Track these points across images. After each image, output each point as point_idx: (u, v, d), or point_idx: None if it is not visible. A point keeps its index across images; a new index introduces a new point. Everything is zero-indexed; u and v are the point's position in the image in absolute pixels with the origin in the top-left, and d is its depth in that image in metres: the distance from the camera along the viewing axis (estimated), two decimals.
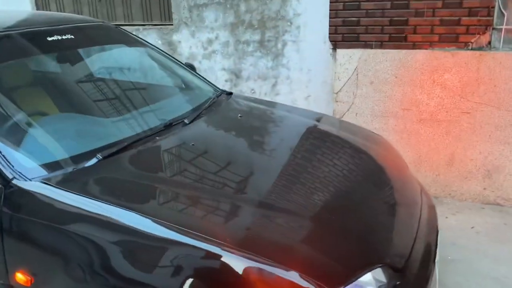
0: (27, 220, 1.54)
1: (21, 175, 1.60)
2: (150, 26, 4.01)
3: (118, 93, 2.36)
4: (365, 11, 3.16)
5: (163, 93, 2.58)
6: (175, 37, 3.90)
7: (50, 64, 2.29)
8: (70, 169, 1.68)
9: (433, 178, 3.27)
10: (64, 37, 2.31)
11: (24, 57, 2.12)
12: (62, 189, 1.56)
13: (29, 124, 1.84)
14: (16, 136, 1.75)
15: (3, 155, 1.63)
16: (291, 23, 3.46)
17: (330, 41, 3.32)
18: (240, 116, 2.39)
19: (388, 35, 3.15)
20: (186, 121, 2.15)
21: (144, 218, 1.44)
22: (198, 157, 1.91)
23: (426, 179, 3.29)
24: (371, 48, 3.21)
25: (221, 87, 3.35)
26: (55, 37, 2.27)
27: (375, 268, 1.49)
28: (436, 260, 1.79)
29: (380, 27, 3.15)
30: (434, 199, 3.13)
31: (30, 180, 1.60)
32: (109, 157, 1.76)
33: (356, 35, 3.23)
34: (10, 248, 1.56)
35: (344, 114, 3.42)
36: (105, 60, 2.62)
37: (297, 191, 1.75)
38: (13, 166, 1.62)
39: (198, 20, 3.76)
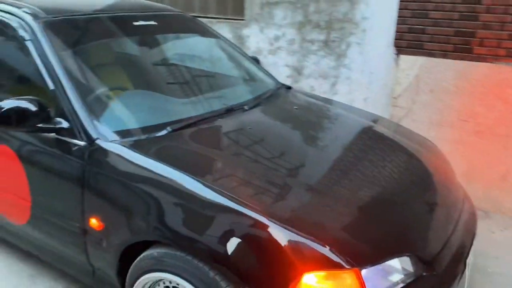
0: (103, 174, 1.82)
1: (103, 136, 1.88)
2: (223, 20, 4.27)
3: (188, 77, 2.61)
4: (432, 20, 3.21)
5: (228, 81, 2.80)
6: (245, 32, 4.12)
7: (133, 46, 2.58)
8: (143, 137, 1.93)
9: (484, 192, 3.26)
10: (148, 23, 2.60)
11: (111, 38, 2.43)
12: (134, 151, 1.82)
13: (114, 96, 2.12)
14: (103, 104, 2.04)
15: (92, 118, 1.92)
16: (357, 26, 3.57)
17: (395, 46, 3.40)
18: (295, 108, 2.56)
19: (453, 45, 3.17)
20: (245, 107, 2.36)
21: (202, 185, 1.66)
22: (253, 139, 2.10)
23: (477, 193, 3.27)
24: (435, 56, 3.25)
25: (282, 82, 3.53)
26: (140, 22, 2.56)
27: (403, 256, 1.61)
28: (468, 262, 1.86)
29: (446, 37, 3.18)
30: (483, 213, 3.14)
31: (110, 141, 1.87)
32: (177, 130, 2.00)
33: (420, 42, 3.28)
34: (88, 197, 1.84)
35: (401, 119, 3.48)
36: (180, 47, 2.88)
37: (344, 182, 1.89)
38: (98, 128, 1.90)
39: (268, 17, 3.95)
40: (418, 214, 1.87)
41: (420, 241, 1.74)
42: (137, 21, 2.56)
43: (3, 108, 1.83)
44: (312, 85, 3.89)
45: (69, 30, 2.27)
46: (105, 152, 1.84)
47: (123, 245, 1.76)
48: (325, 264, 1.48)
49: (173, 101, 2.31)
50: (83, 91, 2.00)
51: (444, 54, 3.22)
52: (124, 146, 1.85)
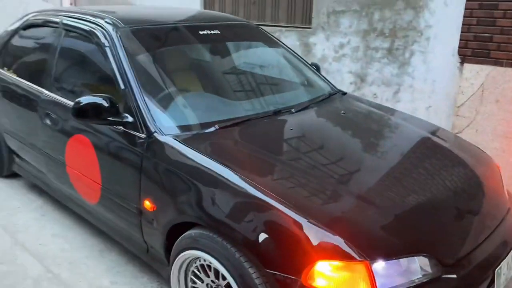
0: (157, 162, 2.09)
1: (160, 131, 2.16)
2: (292, 28, 4.46)
3: (244, 81, 2.84)
4: (500, 28, 3.11)
5: (283, 86, 2.99)
6: (312, 39, 4.27)
7: (196, 52, 2.86)
8: (194, 132, 2.18)
9: None
10: (212, 31, 2.87)
11: (176, 45, 2.74)
12: (184, 145, 2.07)
13: (172, 96, 2.41)
14: (162, 103, 2.32)
15: (152, 115, 2.21)
16: (421, 34, 3.55)
17: (459, 54, 3.34)
18: (342, 112, 2.66)
19: None
20: (292, 110, 2.52)
21: (238, 176, 1.85)
22: (293, 139, 2.26)
23: None
24: (502, 66, 3.14)
25: (345, 89, 3.65)
26: (205, 31, 2.84)
27: (420, 256, 1.66)
28: (499, 271, 1.84)
29: None
30: None
31: (165, 135, 2.14)
32: (223, 128, 2.22)
33: (487, 51, 3.19)
34: (144, 181, 2.13)
35: (463, 129, 3.40)
36: (242, 53, 3.12)
37: (371, 181, 1.98)
38: (155, 123, 2.18)
39: (334, 25, 4.07)
40: (447, 219, 1.90)
41: (443, 245, 1.77)
42: (202, 30, 2.84)
43: (81, 102, 2.19)
44: (374, 92, 3.92)
45: (141, 38, 2.60)
46: (160, 144, 2.12)
47: (169, 225, 2.02)
48: (338, 254, 1.59)
49: (225, 102, 2.55)
50: (147, 91, 2.30)
51: None
52: (176, 139, 2.11)
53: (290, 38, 4.42)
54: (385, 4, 3.69)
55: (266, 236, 1.70)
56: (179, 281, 2.04)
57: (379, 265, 1.60)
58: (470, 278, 1.75)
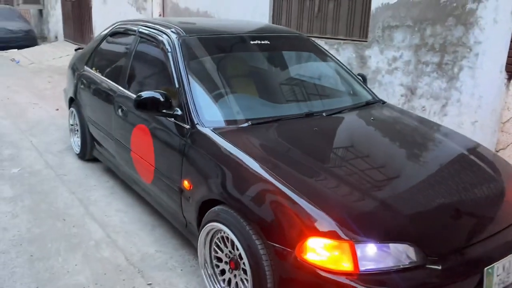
0: (197, 149, 2.48)
1: (201, 123, 2.55)
2: (349, 41, 4.68)
3: (285, 86, 3.16)
4: None
5: (324, 92, 3.26)
6: (367, 52, 4.46)
7: (247, 58, 3.23)
8: (230, 126, 2.55)
9: None
10: (262, 42, 3.23)
11: (229, 52, 3.14)
12: (218, 136, 2.43)
13: (216, 96, 2.79)
14: (206, 101, 2.71)
15: (196, 110, 2.61)
16: (470, 49, 3.61)
17: (506, 71, 3.36)
18: (372, 119, 2.87)
19: None
20: (324, 114, 2.79)
21: (259, 165, 2.17)
22: (313, 137, 2.53)
23: None
24: None
25: (396, 101, 3.84)
26: (256, 41, 3.21)
27: (405, 243, 1.85)
28: (489, 270, 1.95)
29: None
30: None
31: (205, 127, 2.52)
32: (255, 125, 2.56)
33: None
34: (185, 165, 2.53)
35: (508, 145, 3.40)
36: (288, 61, 3.43)
37: (377, 174, 2.21)
38: (199, 117, 2.58)
39: (388, 39, 4.23)
40: (443, 216, 2.04)
41: (432, 237, 1.93)
42: (253, 40, 3.22)
43: (142, 96, 2.65)
44: (423, 105, 4.02)
45: (198, 45, 3.04)
46: (200, 134, 2.51)
47: (200, 201, 2.39)
48: (327, 233, 1.84)
49: (263, 102, 2.89)
50: (195, 90, 2.71)
51: None
52: (213, 131, 2.48)
53: (347, 50, 4.65)
54: (436, 20, 3.80)
55: (271, 213, 2.00)
56: (204, 248, 2.40)
57: (363, 247, 1.83)
58: (455, 272, 1.89)
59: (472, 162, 2.49)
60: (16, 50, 13.49)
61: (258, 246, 2.01)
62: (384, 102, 3.26)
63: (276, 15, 5.65)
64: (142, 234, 3.09)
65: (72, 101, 4.47)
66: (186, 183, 2.52)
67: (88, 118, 4.03)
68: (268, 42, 3.28)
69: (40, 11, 17.20)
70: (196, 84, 2.77)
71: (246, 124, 2.56)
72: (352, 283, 1.79)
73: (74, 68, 4.50)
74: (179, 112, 2.66)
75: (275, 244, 1.95)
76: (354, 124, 2.82)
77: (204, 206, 2.39)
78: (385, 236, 1.87)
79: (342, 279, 1.81)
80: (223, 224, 2.19)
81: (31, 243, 2.91)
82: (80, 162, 4.36)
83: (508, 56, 3.33)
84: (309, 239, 1.86)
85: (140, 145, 3.07)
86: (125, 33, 3.73)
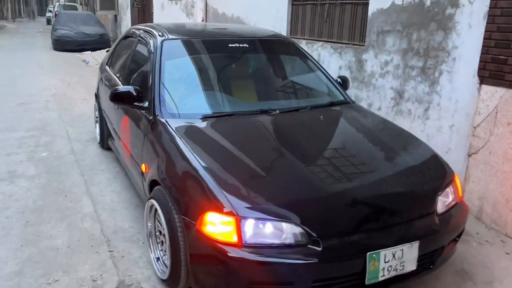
0: (152, 137, 2.86)
1: (160, 115, 2.92)
2: (351, 45, 4.83)
3: (251, 85, 3.44)
4: None
5: (291, 93, 3.50)
6: (364, 56, 4.59)
7: (220, 60, 3.55)
8: (184, 119, 2.89)
9: None
10: (241, 45, 3.55)
11: (205, 54, 3.49)
12: (170, 127, 2.78)
13: (180, 91, 3.15)
14: (169, 95, 3.07)
15: (160, 103, 2.98)
16: (449, 54, 3.63)
17: (478, 76, 3.37)
18: (321, 117, 3.08)
19: None
20: (276, 111, 3.05)
21: (190, 152, 2.48)
22: (253, 132, 2.81)
23: None
24: None
25: (386, 104, 4.00)
26: (234, 44, 3.54)
27: (290, 223, 2.08)
28: (374, 256, 2.11)
29: None
30: None
31: (162, 118, 2.89)
32: (208, 118, 2.89)
33: (502, 73, 3.19)
34: (144, 150, 2.93)
35: (479, 150, 3.41)
36: (266, 63, 3.71)
37: (284, 162, 2.49)
38: (160, 109, 2.95)
39: (381, 44, 4.33)
40: (334, 202, 2.24)
41: (317, 219, 2.13)
42: (232, 43, 3.54)
43: (118, 90, 3.10)
44: (409, 108, 4.08)
45: (179, 47, 3.44)
46: (157, 124, 2.89)
47: (148, 181, 2.77)
48: (220, 209, 2.13)
49: (224, 100, 3.20)
50: (164, 87, 3.09)
51: None
52: (166, 122, 2.85)
53: (348, 54, 4.80)
54: (421, 25, 3.86)
55: (186, 190, 2.34)
56: (149, 221, 2.77)
57: (249, 223, 2.09)
58: (334, 254, 2.09)
59: (394, 159, 2.63)
60: (89, 52, 14.88)
61: (176, 219, 2.34)
62: (353, 103, 3.44)
63: (293, 20, 5.90)
64: (125, 212, 3.54)
65: (96, 97, 5.09)
66: (143, 166, 2.91)
67: (104, 112, 4.59)
68: (247, 45, 3.58)
69: (115, 16, 18.72)
70: (166, 81, 3.14)
71: (198, 118, 2.90)
72: (236, 254, 2.06)
73: (100, 67, 5.11)
74: (146, 105, 3.06)
75: (185, 217, 2.27)
76: (298, 121, 3.04)
77: (152, 186, 2.76)
78: (270, 214, 2.11)
79: (230, 249, 2.08)
80: (156, 200, 2.54)
81: (31, 212, 3.47)
82: (100, 150, 4.95)
83: (480, 61, 3.33)
84: (207, 213, 2.16)
85: (124, 134, 3.53)
86: (131, 36, 4.23)
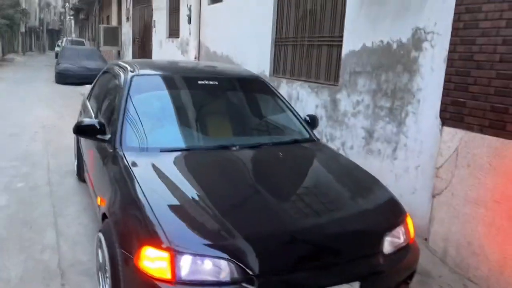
0: (108, 169, 2.89)
1: (119, 147, 2.96)
2: (326, 85, 4.91)
3: (216, 121, 3.48)
4: (471, 94, 3.15)
5: (256, 129, 3.54)
6: (338, 96, 4.66)
7: (190, 96, 3.62)
8: (141, 152, 2.92)
9: None
10: (210, 82, 3.63)
11: (171, 90, 3.56)
12: (124, 159, 2.82)
13: (141, 125, 3.19)
14: (130, 128, 3.11)
15: (120, 137, 3.02)
16: (414, 96, 3.69)
17: (440, 117, 3.40)
18: (280, 154, 3.10)
19: (488, 120, 3.03)
20: (235, 148, 3.08)
21: (138, 186, 2.49)
22: (207, 168, 2.83)
23: (509, 286, 2.91)
24: (473, 131, 3.14)
25: (358, 143, 4.05)
26: (204, 81, 3.62)
27: (226, 260, 2.07)
28: None
29: (482, 111, 3.07)
30: None
31: (121, 151, 2.93)
32: (166, 152, 2.92)
33: (461, 115, 3.23)
34: (101, 183, 2.94)
35: (442, 191, 3.40)
36: (232, 100, 3.77)
37: (233, 199, 2.49)
38: (120, 143, 2.99)
39: (353, 84, 4.41)
40: (274, 240, 2.22)
41: (257, 258, 2.11)
42: (202, 80, 3.63)
43: (82, 123, 3.15)
44: (379, 148, 4.11)
45: (146, 83, 3.52)
46: (114, 156, 2.92)
47: (100, 215, 2.77)
48: (157, 244, 2.12)
49: (185, 134, 3.24)
50: (127, 121, 3.14)
51: (481, 129, 3.08)
52: (124, 155, 2.87)
53: (323, 94, 4.88)
54: (389, 66, 3.94)
55: (128, 224, 2.34)
56: (97, 254, 2.75)
57: (185, 259, 2.07)
58: None
59: (344, 198, 2.63)
60: (90, 85, 15.15)
61: (117, 253, 2.33)
62: (318, 141, 3.47)
63: (276, 60, 6.05)
64: (87, 244, 3.52)
65: None
66: (98, 199, 2.93)
67: (80, 143, 4.64)
68: (216, 83, 3.66)
69: (118, 52, 19.21)
70: (130, 114, 3.20)
71: (156, 151, 2.93)
72: None
73: (83, 100, 5.21)
74: (108, 138, 3.10)
75: (124, 251, 2.26)
76: (257, 157, 3.07)
77: (104, 219, 2.76)
78: (205, 251, 2.09)
79: (163, 286, 2.06)
80: (103, 234, 2.54)
81: None
82: (77, 182, 4.97)
83: (442, 103, 3.38)
84: (144, 248, 2.15)
85: (90, 166, 3.57)
86: (107, 72, 4.34)
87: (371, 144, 4.20)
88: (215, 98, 3.71)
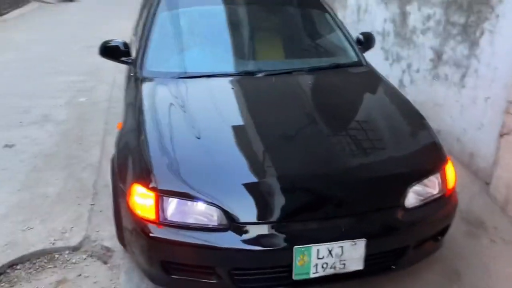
0: (127, 95, 2.78)
1: (140, 71, 2.80)
2: None
3: (253, 44, 3.13)
4: None
5: (290, 52, 3.14)
6: (408, 8, 3.96)
7: (224, 13, 3.26)
8: (160, 77, 2.74)
9: None
10: None
11: (215, 5, 3.27)
12: (144, 83, 2.67)
13: (166, 48, 2.97)
14: (153, 52, 2.91)
15: (142, 60, 2.85)
16: (492, 9, 2.94)
17: None
18: (309, 82, 2.73)
19: None
20: (259, 75, 2.77)
21: (145, 113, 2.38)
22: (221, 98, 2.59)
23: None
24: None
25: (424, 66, 3.53)
26: None
27: (210, 205, 1.91)
28: (302, 250, 1.87)
29: None
30: None
31: (141, 74, 2.76)
32: (186, 78, 2.72)
33: None
34: (122, 108, 2.87)
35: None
36: (273, 18, 3.34)
37: (228, 146, 2.23)
38: (141, 66, 2.82)
39: None
40: (268, 189, 2.01)
41: (243, 205, 1.93)
42: None
43: (108, 43, 3.03)
44: (446, 73, 3.49)
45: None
46: (134, 80, 2.79)
47: None
48: (145, 183, 2.00)
49: (211, 59, 2.96)
50: (150, 42, 2.94)
51: None
52: (143, 79, 2.72)
53: (393, 5, 4.20)
54: None
55: (124, 156, 2.26)
56: None
57: (169, 201, 1.95)
58: (257, 242, 1.89)
59: (371, 140, 2.26)
60: None
61: (117, 184, 2.28)
62: (366, 64, 3.01)
63: None
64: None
65: None
66: (118, 124, 2.86)
67: None
68: None
69: None
70: (155, 35, 2.99)
71: (175, 77, 2.73)
72: (152, 230, 1.95)
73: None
74: (130, 60, 2.96)
75: (120, 185, 2.20)
76: (281, 86, 2.73)
77: None
78: (191, 195, 1.94)
79: (149, 225, 1.98)
80: (111, 161, 2.50)
81: (43, 158, 3.69)
82: None
83: None
84: (134, 185, 2.06)
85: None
86: None
87: (438, 67, 3.58)
88: (248, 15, 3.33)
